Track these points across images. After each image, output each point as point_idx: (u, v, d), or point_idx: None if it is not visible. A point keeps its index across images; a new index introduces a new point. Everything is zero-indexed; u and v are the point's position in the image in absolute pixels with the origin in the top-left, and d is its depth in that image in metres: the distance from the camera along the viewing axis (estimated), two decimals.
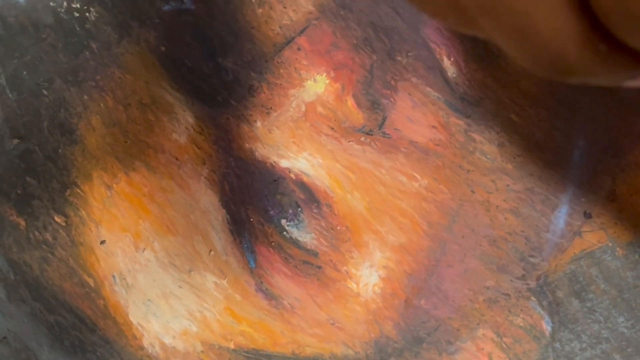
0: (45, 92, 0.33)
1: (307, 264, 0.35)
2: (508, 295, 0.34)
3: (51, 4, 0.33)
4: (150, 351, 0.35)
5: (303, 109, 0.34)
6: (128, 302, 0.35)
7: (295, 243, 0.35)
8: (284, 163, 0.35)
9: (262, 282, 0.35)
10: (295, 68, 0.34)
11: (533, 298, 0.34)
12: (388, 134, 0.34)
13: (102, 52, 0.34)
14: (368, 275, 0.35)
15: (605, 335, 0.34)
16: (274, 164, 0.35)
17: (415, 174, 0.34)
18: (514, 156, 0.34)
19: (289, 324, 0.35)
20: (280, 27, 0.34)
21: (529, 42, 0.17)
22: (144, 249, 0.35)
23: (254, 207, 0.35)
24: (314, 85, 0.34)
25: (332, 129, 0.34)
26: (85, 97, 0.34)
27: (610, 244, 0.33)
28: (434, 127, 0.34)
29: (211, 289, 0.35)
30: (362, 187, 0.34)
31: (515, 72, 0.33)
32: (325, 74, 0.34)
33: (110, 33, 0.34)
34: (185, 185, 0.35)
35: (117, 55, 0.34)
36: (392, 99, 0.34)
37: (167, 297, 0.35)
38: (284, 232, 0.35)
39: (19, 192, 0.34)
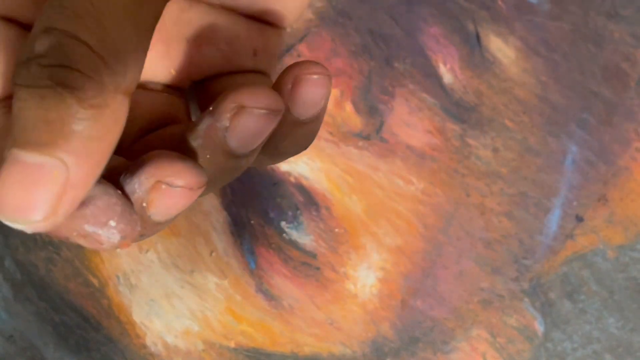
0: None
1: (306, 265, 0.35)
2: (502, 296, 0.34)
3: None
4: (152, 349, 0.35)
5: None
6: (131, 302, 0.35)
7: (295, 245, 0.35)
8: (283, 167, 0.35)
9: (262, 283, 0.35)
10: None
11: (526, 299, 0.34)
12: (385, 139, 0.34)
13: None
14: (365, 277, 0.35)
15: (596, 336, 0.34)
16: (274, 167, 0.35)
17: (412, 178, 0.34)
18: (508, 161, 0.34)
19: (288, 323, 0.35)
20: None
21: None
22: (147, 250, 0.35)
23: (254, 210, 0.35)
24: None
25: (331, 133, 0.34)
26: None
27: (601, 247, 0.34)
28: (430, 132, 0.34)
29: (212, 289, 0.36)
30: (359, 190, 0.34)
31: (509, 79, 0.34)
32: None
33: None
34: None
35: None
36: (389, 105, 0.34)
37: (169, 297, 0.35)
38: (284, 234, 0.35)
39: None
